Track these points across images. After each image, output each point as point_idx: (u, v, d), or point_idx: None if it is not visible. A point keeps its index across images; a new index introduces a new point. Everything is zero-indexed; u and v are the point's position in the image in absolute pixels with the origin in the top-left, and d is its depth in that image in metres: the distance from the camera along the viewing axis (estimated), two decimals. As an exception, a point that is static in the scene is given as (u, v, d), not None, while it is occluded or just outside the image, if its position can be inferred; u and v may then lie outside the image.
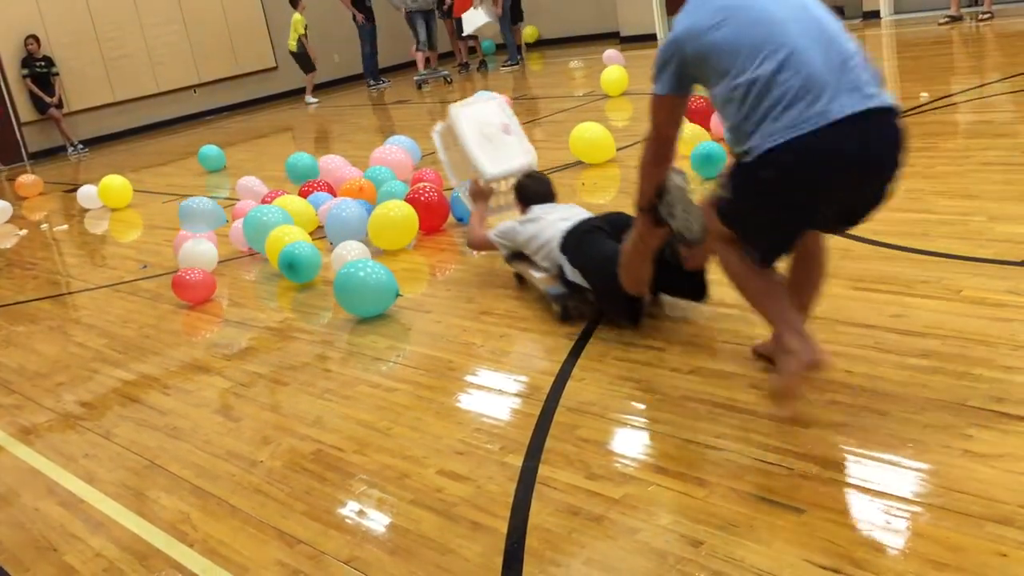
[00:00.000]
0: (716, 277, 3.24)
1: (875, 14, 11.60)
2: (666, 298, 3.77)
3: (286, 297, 5.02)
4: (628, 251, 3.38)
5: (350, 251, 4.90)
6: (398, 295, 4.35)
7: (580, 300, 3.82)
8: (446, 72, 13.47)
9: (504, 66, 13.64)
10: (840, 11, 12.72)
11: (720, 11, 2.66)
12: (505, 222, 4.36)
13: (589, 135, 6.60)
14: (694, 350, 3.42)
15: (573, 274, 3.76)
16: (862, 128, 2.56)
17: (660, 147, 2.95)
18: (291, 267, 4.91)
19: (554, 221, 4.02)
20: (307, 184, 6.53)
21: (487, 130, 4.96)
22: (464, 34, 13.46)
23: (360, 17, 13.84)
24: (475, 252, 4.92)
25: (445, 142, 5.21)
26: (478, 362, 3.71)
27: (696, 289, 3.56)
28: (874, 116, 2.58)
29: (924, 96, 6.66)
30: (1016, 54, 7.89)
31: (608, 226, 3.78)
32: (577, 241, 3.79)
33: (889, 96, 2.65)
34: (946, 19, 10.17)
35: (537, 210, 4.22)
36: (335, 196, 6.17)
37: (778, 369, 2.81)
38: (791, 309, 2.81)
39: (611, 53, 11.27)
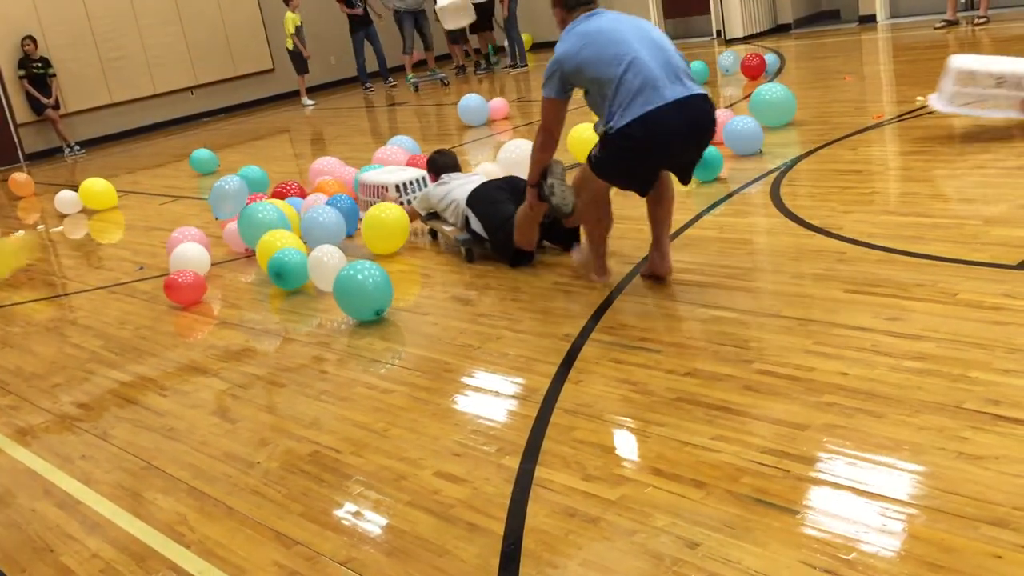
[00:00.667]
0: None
1: (871, 18, 11.63)
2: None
3: (282, 298, 5.02)
4: (520, 217, 4.40)
5: (326, 254, 4.88)
6: (379, 313, 4.31)
7: (481, 247, 4.91)
8: (443, 75, 13.47)
9: (512, 68, 13.54)
10: (835, 15, 12.79)
11: (583, 37, 3.81)
12: (422, 191, 5.62)
13: (588, 135, 6.63)
14: (690, 352, 3.42)
15: (477, 225, 4.85)
16: (684, 107, 3.67)
17: (547, 138, 4.01)
18: (279, 275, 4.91)
19: (460, 184, 5.14)
20: (280, 185, 6.68)
21: None
22: (447, 29, 13.33)
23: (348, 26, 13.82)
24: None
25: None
26: (475, 364, 3.72)
27: (569, 238, 4.69)
28: (692, 100, 3.71)
29: (920, 100, 6.68)
30: (1012, 58, 7.90)
31: (508, 187, 4.94)
32: (482, 199, 4.89)
33: (701, 88, 3.77)
34: (942, 23, 10.20)
35: (445, 177, 5.36)
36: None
37: (582, 260, 4.36)
38: (603, 245, 4.22)
39: None
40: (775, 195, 5.15)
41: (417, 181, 5.99)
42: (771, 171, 5.63)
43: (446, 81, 13.29)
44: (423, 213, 5.45)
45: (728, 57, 9.60)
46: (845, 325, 3.37)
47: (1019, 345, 3.00)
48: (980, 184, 4.72)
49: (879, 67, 9.26)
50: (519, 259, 4.70)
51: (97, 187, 8.48)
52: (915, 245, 4.01)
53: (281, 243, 5.10)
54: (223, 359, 4.28)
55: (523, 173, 6.35)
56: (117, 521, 3.00)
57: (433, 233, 5.48)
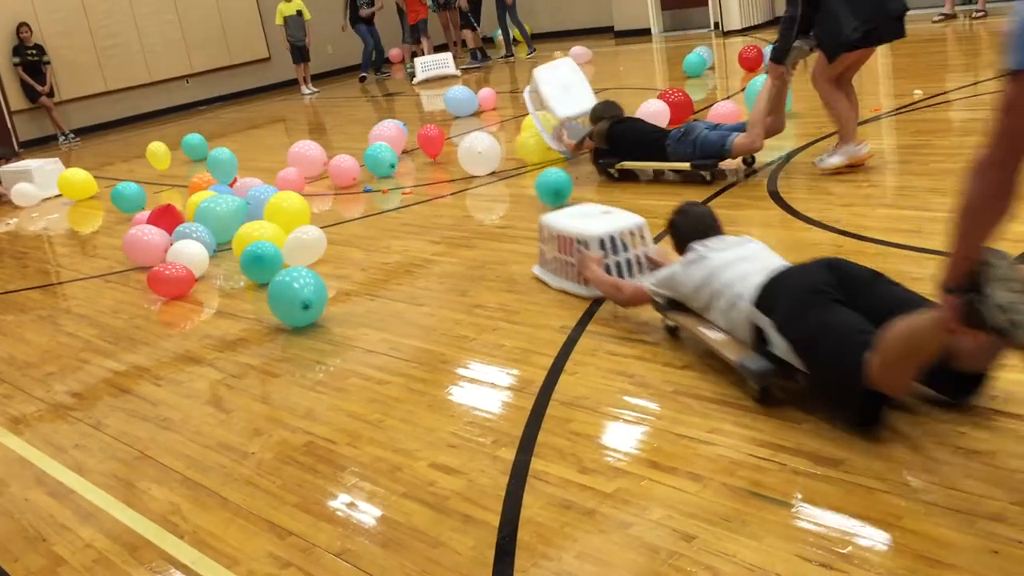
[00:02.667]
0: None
1: (869, 11, 11.60)
2: None
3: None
4: (901, 342, 2.42)
5: (305, 232, 5.14)
6: (307, 306, 4.17)
7: (788, 378, 2.86)
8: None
9: (502, 58, 13.75)
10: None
11: None
12: (665, 268, 3.49)
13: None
14: (687, 345, 3.41)
15: (782, 349, 2.79)
16: None
17: (1003, 172, 1.98)
18: (259, 258, 4.88)
19: (731, 262, 3.14)
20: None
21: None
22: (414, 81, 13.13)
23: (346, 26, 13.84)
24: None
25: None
26: (471, 355, 3.70)
27: (966, 386, 2.66)
28: None
29: (918, 93, 6.67)
30: (1010, 52, 7.88)
31: (835, 280, 2.82)
32: (790, 303, 2.80)
33: None
34: (940, 17, 10.18)
35: (700, 248, 3.29)
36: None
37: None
38: None
39: (577, 50, 11.44)
40: (772, 187, 5.14)
41: (632, 234, 4.03)
42: (768, 163, 5.62)
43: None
44: (660, 300, 3.43)
45: (704, 53, 9.59)
46: (842, 318, 3.35)
47: (1016, 339, 2.99)
48: (978, 178, 4.70)
49: (876, 60, 9.22)
50: (868, 411, 2.62)
51: (79, 176, 8.55)
52: (913, 239, 4.00)
53: (258, 234, 5.22)
54: (217, 349, 4.26)
55: (482, 169, 6.48)
56: (110, 511, 2.98)
57: (671, 329, 3.52)
